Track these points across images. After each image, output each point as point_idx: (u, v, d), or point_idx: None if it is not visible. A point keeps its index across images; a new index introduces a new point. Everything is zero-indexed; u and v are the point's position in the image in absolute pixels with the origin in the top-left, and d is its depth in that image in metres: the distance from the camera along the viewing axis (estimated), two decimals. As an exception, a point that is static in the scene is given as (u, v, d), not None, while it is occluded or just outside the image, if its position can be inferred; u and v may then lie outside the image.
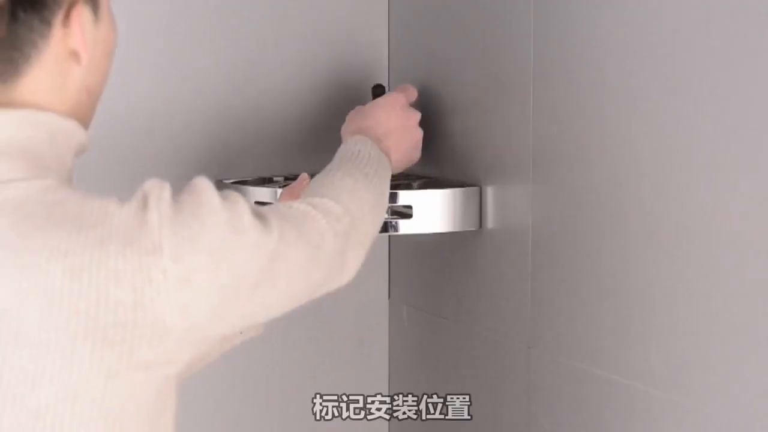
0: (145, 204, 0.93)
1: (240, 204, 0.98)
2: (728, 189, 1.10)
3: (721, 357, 1.11)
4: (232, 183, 1.54)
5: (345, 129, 1.43)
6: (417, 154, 1.46)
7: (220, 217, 0.95)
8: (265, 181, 1.56)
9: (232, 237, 0.95)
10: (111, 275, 0.89)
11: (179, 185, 1.60)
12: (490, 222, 1.46)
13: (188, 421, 1.63)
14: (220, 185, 1.56)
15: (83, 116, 1.03)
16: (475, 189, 1.47)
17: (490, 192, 1.46)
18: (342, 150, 1.33)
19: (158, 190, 0.94)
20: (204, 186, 0.97)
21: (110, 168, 1.55)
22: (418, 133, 1.44)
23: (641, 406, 1.22)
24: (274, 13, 1.63)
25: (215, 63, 1.60)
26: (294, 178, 1.43)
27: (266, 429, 1.69)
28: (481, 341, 1.49)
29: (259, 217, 0.99)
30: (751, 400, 1.09)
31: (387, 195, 1.30)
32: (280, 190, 1.42)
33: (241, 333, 1.32)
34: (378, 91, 1.51)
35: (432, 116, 1.55)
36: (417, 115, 1.45)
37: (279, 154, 1.64)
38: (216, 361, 1.33)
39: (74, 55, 0.99)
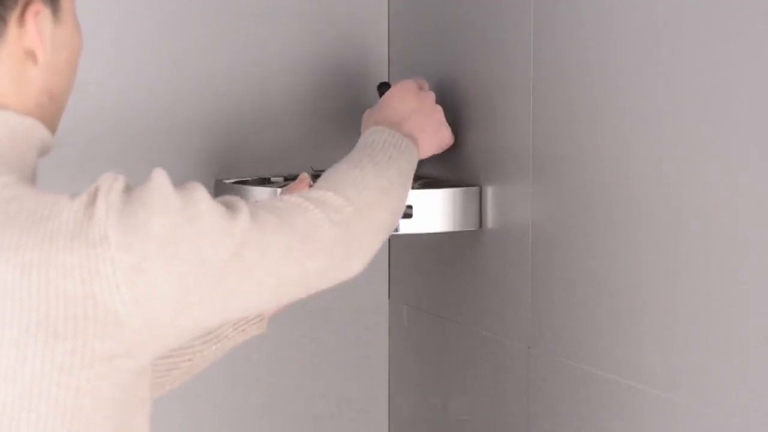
0: (94, 197, 0.92)
1: (197, 191, 0.96)
2: (727, 189, 1.10)
3: (720, 357, 1.11)
4: (232, 183, 1.54)
5: (363, 128, 1.41)
6: (447, 132, 1.44)
7: (171, 204, 0.93)
8: (264, 182, 1.56)
9: (184, 224, 0.93)
10: (60, 269, 0.89)
11: (178, 185, 1.60)
12: (490, 222, 1.46)
13: (188, 420, 1.64)
14: (220, 185, 1.56)
15: (47, 120, 1.02)
16: (475, 189, 1.47)
17: (490, 192, 1.46)
18: (357, 144, 1.30)
19: (110, 182, 0.93)
20: (157, 176, 0.96)
21: (109, 168, 1.55)
22: (439, 112, 1.42)
23: (641, 405, 1.22)
24: (274, 13, 1.63)
25: (215, 63, 1.60)
26: (294, 178, 1.43)
27: (266, 429, 1.69)
28: (481, 341, 1.49)
29: (226, 204, 0.97)
30: (750, 400, 1.09)
31: (406, 179, 1.27)
32: (279, 190, 1.42)
33: (243, 331, 1.32)
34: (384, 89, 1.49)
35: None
36: (432, 96, 1.43)
37: (279, 154, 1.64)
38: (216, 361, 1.33)
39: (31, 55, 0.99)
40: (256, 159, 1.63)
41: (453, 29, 1.53)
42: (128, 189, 0.94)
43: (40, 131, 1.00)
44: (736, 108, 1.08)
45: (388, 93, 1.42)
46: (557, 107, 1.32)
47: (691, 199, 1.14)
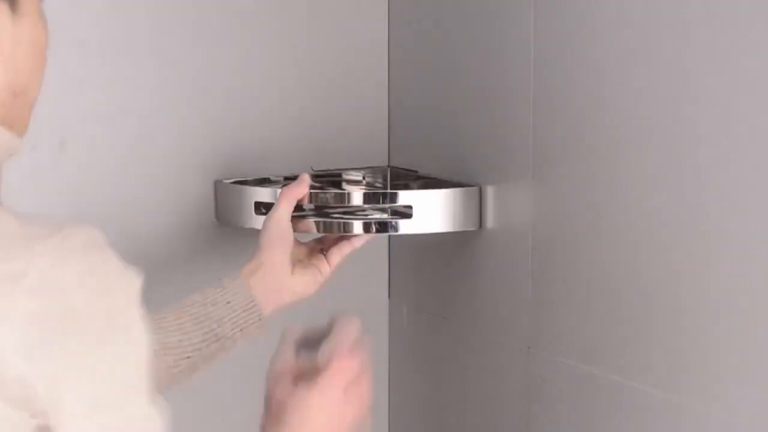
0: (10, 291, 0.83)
1: None
2: (730, 188, 1.10)
3: (721, 357, 1.11)
4: (232, 183, 1.54)
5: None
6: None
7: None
8: (264, 182, 1.56)
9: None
10: None
11: (178, 185, 1.60)
12: (490, 222, 1.46)
13: (188, 420, 1.63)
14: (219, 185, 1.56)
15: (13, 119, 0.96)
16: (475, 189, 1.47)
17: (490, 192, 1.46)
18: None
19: (17, 292, 0.84)
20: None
21: (107, 167, 1.55)
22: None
23: (641, 406, 1.22)
24: (274, 13, 1.63)
25: (214, 63, 1.60)
26: (293, 178, 1.43)
27: (266, 429, 1.69)
28: (481, 341, 1.49)
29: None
30: (750, 400, 1.09)
31: None
32: (279, 190, 1.42)
33: (242, 331, 1.32)
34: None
35: (432, 116, 1.56)
36: (359, 391, 1.07)
37: (279, 154, 1.64)
38: (217, 361, 1.33)
39: None
40: (256, 159, 1.63)
41: (453, 29, 1.53)
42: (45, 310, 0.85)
43: (1, 134, 0.94)
44: (740, 106, 1.08)
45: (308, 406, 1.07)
46: (557, 107, 1.32)
47: (692, 197, 1.14)
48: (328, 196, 1.42)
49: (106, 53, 1.54)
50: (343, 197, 1.43)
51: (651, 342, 1.20)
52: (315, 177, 1.51)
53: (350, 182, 1.59)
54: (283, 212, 1.36)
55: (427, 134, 1.59)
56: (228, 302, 1.30)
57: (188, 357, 1.28)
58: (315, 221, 1.40)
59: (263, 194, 1.47)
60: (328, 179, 1.58)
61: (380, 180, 1.61)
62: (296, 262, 1.37)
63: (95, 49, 1.52)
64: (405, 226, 1.44)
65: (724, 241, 1.10)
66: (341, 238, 1.41)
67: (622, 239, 1.23)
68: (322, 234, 1.42)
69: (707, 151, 1.12)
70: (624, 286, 1.23)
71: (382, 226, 1.42)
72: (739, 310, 1.09)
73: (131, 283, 0.88)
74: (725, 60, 1.09)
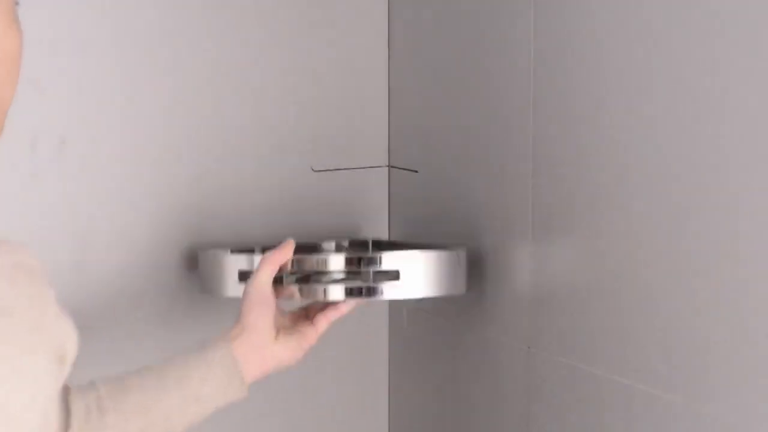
0: None
1: None
2: (730, 188, 1.10)
3: (721, 357, 1.11)
4: (213, 250, 1.48)
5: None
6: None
7: None
8: (242, 251, 1.47)
9: None
10: None
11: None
12: (491, 223, 1.46)
13: (188, 421, 1.64)
14: (201, 254, 1.51)
15: None
16: (461, 251, 1.42)
17: (489, 195, 1.46)
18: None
19: None
20: None
21: (107, 167, 1.55)
22: None
23: (641, 406, 1.22)
24: (274, 14, 1.63)
25: (214, 61, 1.60)
26: (272, 247, 1.38)
27: (266, 429, 1.69)
28: (481, 341, 1.49)
29: None
30: (751, 401, 1.09)
31: None
32: (258, 257, 1.37)
33: (224, 394, 1.30)
34: None
35: (432, 115, 1.55)
36: None
37: (278, 155, 1.64)
38: (198, 423, 1.32)
39: None
40: (256, 160, 1.63)
41: (453, 29, 1.53)
42: None
43: None
44: (737, 108, 1.08)
45: None
46: (557, 105, 1.33)
47: (692, 198, 1.14)
48: (312, 260, 1.37)
49: (106, 53, 1.54)
50: (326, 262, 1.37)
51: (651, 342, 1.20)
52: (295, 250, 1.40)
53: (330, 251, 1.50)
54: (264, 276, 1.33)
55: (427, 134, 1.59)
56: (209, 364, 1.27)
57: (167, 418, 1.25)
58: (298, 287, 1.36)
59: (241, 261, 1.43)
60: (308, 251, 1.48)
61: (362, 249, 1.56)
62: (281, 329, 1.34)
63: (95, 49, 1.52)
64: (391, 290, 1.37)
65: (724, 241, 1.10)
66: (327, 305, 1.38)
67: (622, 238, 1.23)
68: (306, 300, 1.38)
69: (707, 151, 1.12)
70: (623, 286, 1.23)
71: (369, 291, 1.37)
72: (740, 310, 1.09)
73: (54, 328, 0.86)
74: (726, 59, 1.09)
